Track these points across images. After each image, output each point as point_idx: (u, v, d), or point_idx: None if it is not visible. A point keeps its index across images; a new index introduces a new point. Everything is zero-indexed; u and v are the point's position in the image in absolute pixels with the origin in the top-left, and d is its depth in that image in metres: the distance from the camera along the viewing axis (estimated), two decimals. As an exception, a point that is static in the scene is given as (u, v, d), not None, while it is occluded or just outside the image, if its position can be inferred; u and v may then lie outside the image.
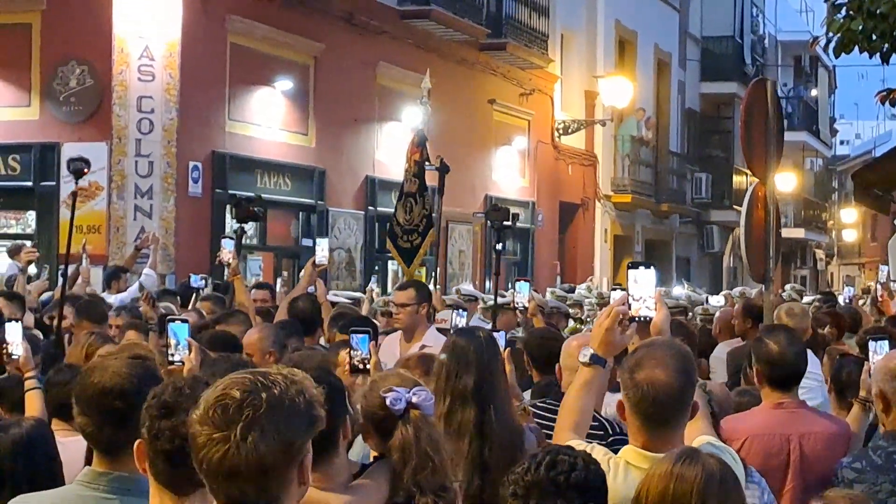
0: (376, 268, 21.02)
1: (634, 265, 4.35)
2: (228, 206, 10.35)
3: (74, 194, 9.42)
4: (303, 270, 10.33)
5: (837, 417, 5.94)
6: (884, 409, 4.97)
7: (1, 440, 4.14)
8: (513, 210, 25.32)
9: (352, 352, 5.47)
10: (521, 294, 10.22)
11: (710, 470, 3.27)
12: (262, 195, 18.27)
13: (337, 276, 19.80)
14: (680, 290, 18.65)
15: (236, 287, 9.64)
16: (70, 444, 5.17)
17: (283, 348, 7.01)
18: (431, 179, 12.88)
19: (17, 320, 6.44)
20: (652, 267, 4.35)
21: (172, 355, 5.41)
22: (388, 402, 3.94)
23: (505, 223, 11.15)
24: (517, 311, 10.77)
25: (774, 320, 8.65)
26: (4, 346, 6.10)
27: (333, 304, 10.49)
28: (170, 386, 3.21)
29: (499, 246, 11.28)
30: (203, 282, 12.66)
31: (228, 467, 2.52)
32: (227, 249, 9.57)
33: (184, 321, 5.62)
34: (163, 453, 3.06)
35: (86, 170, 9.37)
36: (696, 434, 4.05)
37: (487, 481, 4.78)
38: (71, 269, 12.42)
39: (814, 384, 7.07)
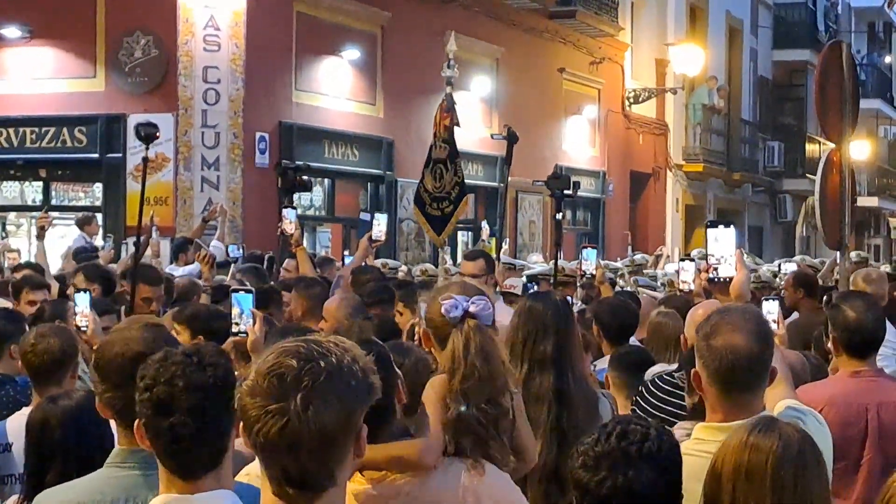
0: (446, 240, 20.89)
1: (713, 223, 4.22)
2: (279, 176, 9.99)
3: (146, 160, 9.20)
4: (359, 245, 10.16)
5: (916, 384, 5.74)
6: None
7: (51, 411, 4.04)
8: (582, 179, 25.31)
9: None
10: (589, 262, 10.04)
11: (787, 440, 3.10)
12: (331, 165, 18.42)
13: (406, 246, 19.73)
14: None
15: (299, 258, 9.39)
16: None
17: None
18: (498, 149, 12.69)
19: (85, 290, 6.34)
20: (732, 226, 4.20)
21: (237, 324, 5.33)
22: (443, 309, 3.85)
23: (566, 192, 10.88)
24: (577, 285, 10.58)
25: (850, 286, 8.44)
26: (74, 317, 6.03)
27: None
28: (160, 376, 2.93)
29: (559, 215, 11.00)
30: (240, 251, 12.47)
31: (289, 440, 2.39)
32: (288, 219, 9.35)
33: (249, 291, 5.52)
34: (162, 449, 2.88)
35: (158, 134, 9.21)
36: (778, 399, 3.90)
37: (565, 448, 4.64)
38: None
39: (888, 352, 6.87)
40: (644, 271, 14.22)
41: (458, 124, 11.77)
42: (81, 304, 6.01)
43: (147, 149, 9.13)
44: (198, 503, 2.81)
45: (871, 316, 5.42)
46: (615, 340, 7.04)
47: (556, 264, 11.30)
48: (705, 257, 4.28)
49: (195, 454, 2.83)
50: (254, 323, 5.23)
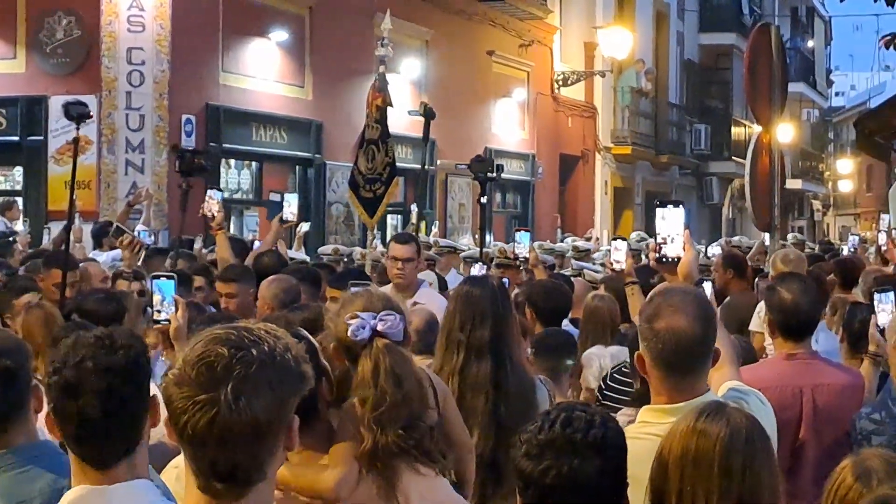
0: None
1: (663, 203, 4.18)
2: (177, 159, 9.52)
3: (76, 140, 8.93)
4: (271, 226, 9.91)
5: (851, 368, 5.74)
6: None
7: None
8: (511, 162, 25.23)
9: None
10: (522, 245, 9.97)
11: (735, 426, 3.03)
12: (258, 148, 18.22)
13: (335, 230, 19.58)
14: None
15: (219, 243, 8.94)
16: None
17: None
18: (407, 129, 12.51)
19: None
20: (680, 205, 4.15)
21: (159, 312, 5.17)
22: (349, 332, 3.70)
23: (489, 174, 10.77)
24: (521, 268, 10.50)
25: (769, 267, 8.44)
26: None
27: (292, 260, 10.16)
28: (69, 359, 2.79)
29: (483, 199, 10.88)
30: (152, 238, 12.21)
31: (219, 432, 2.26)
32: (214, 200, 8.88)
33: (170, 277, 5.37)
34: (71, 435, 2.74)
35: (91, 113, 8.95)
36: (722, 380, 3.86)
37: (502, 438, 4.56)
38: (60, 226, 12.18)
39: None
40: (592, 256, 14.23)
41: (390, 104, 11.61)
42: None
43: (78, 129, 8.87)
44: (113, 494, 2.66)
45: (807, 298, 5.40)
46: (548, 323, 6.99)
47: (481, 248, 11.21)
48: (655, 236, 4.23)
49: (106, 440, 2.69)
50: (176, 310, 5.09)
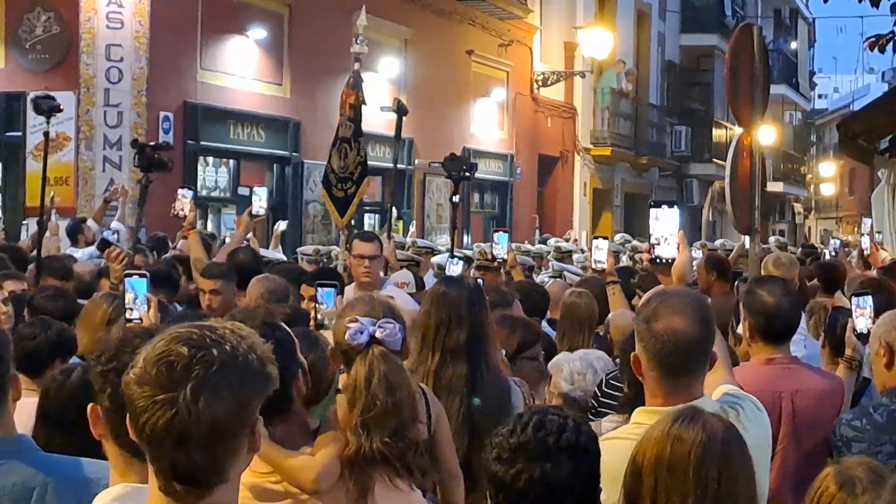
0: (352, 222, 20.68)
1: (657, 203, 4.12)
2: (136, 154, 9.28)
3: (47, 136, 8.85)
4: (238, 221, 9.80)
5: (831, 373, 5.71)
6: (887, 364, 4.71)
7: (65, 384, 4.02)
8: (490, 162, 25.16)
9: (317, 306, 5.18)
10: (500, 246, 9.92)
11: (711, 431, 2.98)
12: (236, 146, 18.13)
13: (312, 229, 19.50)
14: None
15: (191, 242, 8.83)
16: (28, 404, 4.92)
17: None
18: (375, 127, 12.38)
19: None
20: (675, 206, 4.09)
21: (131, 310, 5.12)
22: (347, 336, 3.66)
23: (463, 173, 10.67)
24: (501, 270, 10.44)
25: (761, 271, 8.40)
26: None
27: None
28: (122, 344, 2.86)
29: (456, 198, 10.78)
30: (115, 236, 12.10)
31: (177, 433, 2.22)
32: (186, 199, 8.79)
33: (143, 275, 5.33)
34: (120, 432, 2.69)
35: (62, 107, 8.84)
36: (717, 384, 3.80)
37: (475, 441, 4.51)
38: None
39: (798, 337, 6.82)
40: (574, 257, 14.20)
41: (364, 102, 11.50)
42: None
43: (48, 123, 8.80)
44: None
45: (788, 301, 5.35)
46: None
47: (452, 247, 11.13)
48: (649, 237, 4.19)
49: None
50: (148, 308, 5.04)
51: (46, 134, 8.74)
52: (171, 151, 16.30)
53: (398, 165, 21.57)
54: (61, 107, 8.79)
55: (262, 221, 9.71)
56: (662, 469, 2.96)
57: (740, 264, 11.69)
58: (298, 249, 13.23)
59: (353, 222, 12.65)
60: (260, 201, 9.04)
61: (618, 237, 17.24)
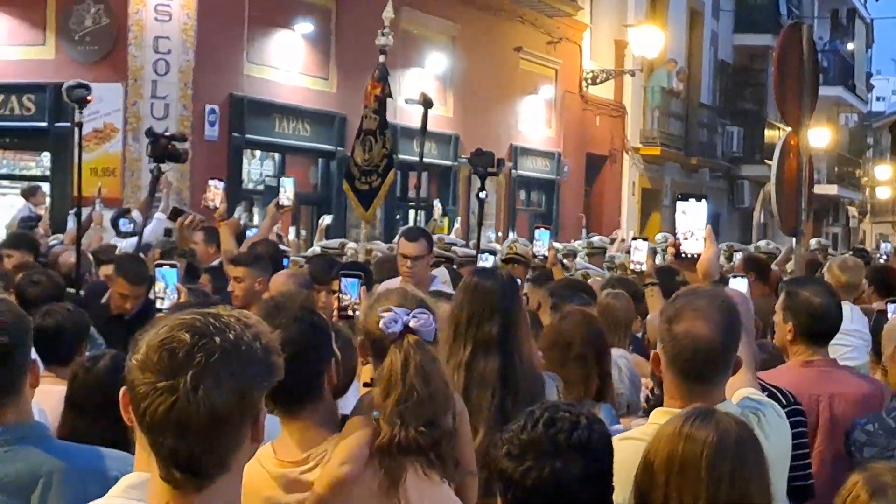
0: (398, 216, 20.70)
1: (684, 197, 4.02)
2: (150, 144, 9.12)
3: (80, 126, 8.79)
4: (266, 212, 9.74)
5: (871, 377, 5.64)
6: None
7: (91, 371, 4.03)
8: (537, 160, 25.06)
9: (340, 296, 5.11)
10: (541, 243, 9.83)
11: (724, 431, 2.91)
12: (281, 140, 18.14)
13: (357, 223, 19.45)
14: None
15: (222, 235, 8.76)
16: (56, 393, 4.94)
17: None
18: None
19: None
20: (703, 200, 4.00)
21: (161, 300, 5.13)
22: (381, 324, 3.60)
23: (489, 169, 10.53)
24: (528, 265, 10.34)
25: (825, 274, 8.29)
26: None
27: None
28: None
29: (482, 194, 10.65)
30: (131, 225, 12.00)
31: (176, 421, 2.18)
32: (217, 190, 8.65)
33: (173, 265, 5.33)
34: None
35: (88, 97, 8.73)
36: (738, 387, 3.70)
37: None
38: (85, 212, 12.15)
39: (860, 342, 6.72)
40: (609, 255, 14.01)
41: (390, 95, 11.38)
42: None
43: (81, 113, 8.73)
44: None
45: (834, 303, 5.28)
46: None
47: (478, 247, 10.97)
48: (675, 231, 4.10)
49: None
50: (178, 298, 5.04)
51: (79, 124, 8.65)
52: (217, 145, 16.56)
53: (448, 162, 21.64)
54: (88, 98, 8.64)
55: (290, 211, 9.59)
56: (674, 468, 2.90)
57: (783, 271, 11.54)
58: (321, 243, 13.11)
59: (378, 215, 12.54)
60: (286, 192, 8.97)
61: (659, 237, 17.06)
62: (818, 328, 5.23)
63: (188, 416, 2.17)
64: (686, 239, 3.98)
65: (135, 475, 2.70)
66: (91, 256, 9.72)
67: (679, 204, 4.04)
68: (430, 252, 7.89)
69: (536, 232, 10.05)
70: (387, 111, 11.17)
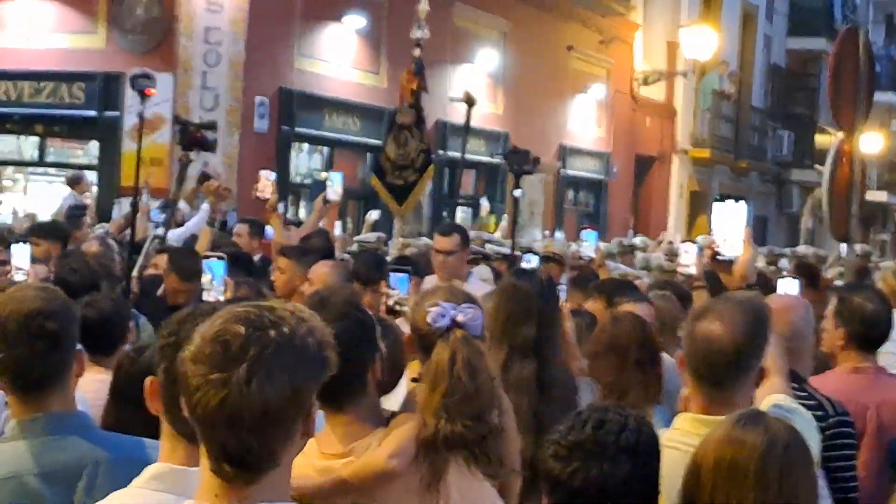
0: (444, 213, 20.66)
1: (722, 198, 3.97)
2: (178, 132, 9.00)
3: (141, 116, 8.80)
4: (314, 206, 9.74)
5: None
6: None
7: (137, 361, 3.97)
8: (586, 160, 24.97)
9: (389, 291, 5.10)
10: (588, 244, 9.78)
11: (773, 435, 2.85)
12: (330, 134, 18.14)
13: (406, 220, 19.44)
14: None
15: (273, 225, 8.84)
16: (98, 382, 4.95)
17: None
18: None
19: (25, 241, 6.14)
20: (742, 201, 3.95)
21: (207, 292, 5.13)
22: (429, 318, 3.57)
23: (525, 167, 10.43)
24: (564, 264, 10.25)
25: (879, 281, 8.22)
26: (9, 267, 5.82)
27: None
28: (186, 320, 2.79)
29: (517, 192, 10.57)
30: (162, 216, 11.77)
31: (228, 414, 2.15)
32: (269, 181, 8.72)
33: (220, 257, 5.33)
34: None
35: (153, 90, 8.74)
36: (768, 393, 3.66)
37: (542, 437, 4.38)
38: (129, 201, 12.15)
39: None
40: (636, 252, 13.85)
41: (425, 90, 11.28)
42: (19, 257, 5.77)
43: (143, 101, 8.75)
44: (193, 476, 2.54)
45: (886, 308, 5.23)
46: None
47: (513, 244, 10.87)
48: (711, 233, 4.05)
49: None
50: (225, 291, 5.03)
51: (140, 114, 8.68)
52: (266, 137, 16.58)
53: (497, 160, 21.56)
54: (147, 90, 8.65)
55: (337, 206, 9.60)
56: (722, 472, 2.86)
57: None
58: (358, 237, 13.04)
59: (425, 212, 12.47)
60: (334, 186, 8.99)
61: (700, 238, 16.94)
62: (869, 335, 5.19)
63: (241, 410, 2.15)
64: (725, 241, 3.93)
65: (158, 465, 2.71)
66: (115, 244, 9.74)
67: (716, 205, 4.00)
68: (465, 247, 7.78)
69: (583, 233, 10.02)
70: (434, 108, 11.09)
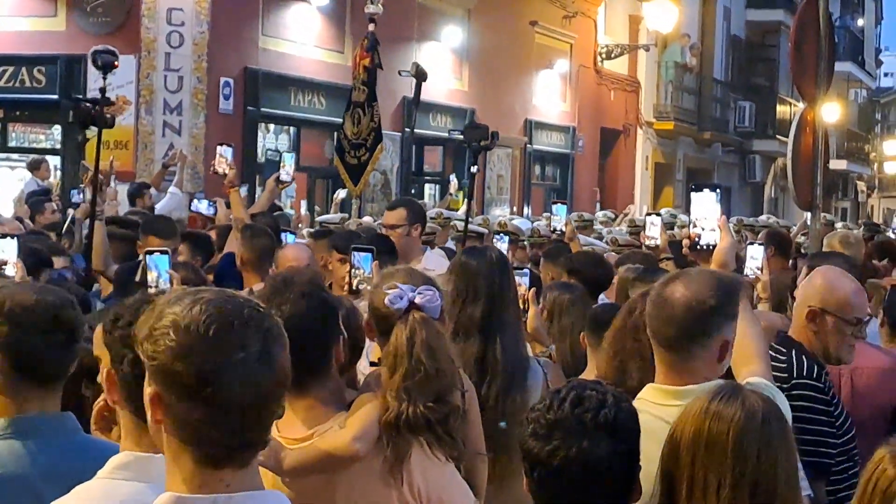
0: (412, 191, 20.66)
1: (697, 187, 4.00)
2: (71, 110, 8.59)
3: (103, 91, 8.64)
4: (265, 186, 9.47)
5: (891, 350, 5.59)
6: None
7: None
8: (552, 134, 24.98)
9: (353, 270, 5.06)
10: (558, 217, 9.78)
11: (751, 409, 2.88)
12: (296, 114, 18.08)
13: (372, 198, 19.46)
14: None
15: (232, 201, 8.48)
16: None
17: None
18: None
19: (13, 236, 6.05)
20: (717, 189, 3.98)
21: (154, 287, 5.04)
22: (387, 300, 3.57)
23: (483, 142, 10.29)
24: (527, 245, 10.19)
25: (825, 248, 8.27)
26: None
27: None
28: (139, 307, 2.65)
29: (474, 168, 10.41)
30: (80, 196, 11.58)
31: (253, 393, 2.17)
32: (224, 157, 8.40)
33: (164, 252, 5.23)
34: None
35: (116, 63, 8.60)
36: (749, 376, 3.64)
37: (481, 417, 4.39)
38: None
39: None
40: (595, 227, 13.82)
41: (379, 66, 11.05)
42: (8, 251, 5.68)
43: (104, 78, 8.61)
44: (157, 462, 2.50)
45: (856, 274, 5.26)
46: (591, 296, 6.76)
47: (466, 218, 10.67)
48: (689, 223, 4.05)
49: None
50: (171, 284, 4.99)
51: (102, 90, 8.52)
52: (232, 118, 16.49)
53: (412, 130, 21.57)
54: (116, 63, 8.51)
55: (288, 187, 9.28)
56: (700, 446, 2.87)
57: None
58: (320, 218, 12.87)
59: (393, 189, 12.32)
60: (286, 167, 8.72)
61: (664, 212, 16.96)
62: None
63: (260, 387, 2.16)
64: (703, 231, 3.95)
65: (123, 455, 2.63)
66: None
67: (692, 195, 4.02)
68: (415, 223, 7.55)
69: (553, 207, 10.00)
70: (401, 85, 10.96)
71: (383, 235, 7.28)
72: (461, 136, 10.94)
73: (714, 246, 3.93)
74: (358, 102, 10.78)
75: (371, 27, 11.19)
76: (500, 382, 4.57)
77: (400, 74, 11.34)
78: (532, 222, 13.32)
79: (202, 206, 11.04)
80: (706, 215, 3.96)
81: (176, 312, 2.17)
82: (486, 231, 11.22)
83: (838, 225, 17.10)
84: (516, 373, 4.65)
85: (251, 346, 2.15)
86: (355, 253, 5.14)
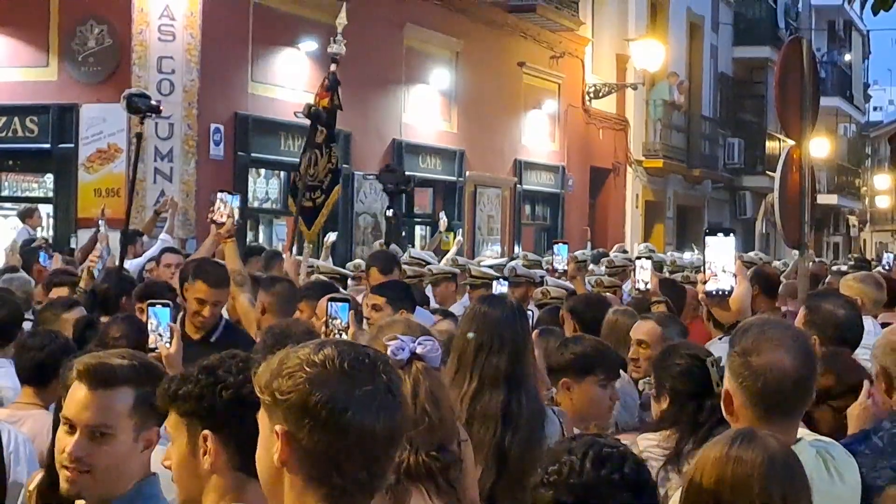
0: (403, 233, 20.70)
1: (712, 231, 3.92)
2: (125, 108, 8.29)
3: (139, 136, 8.46)
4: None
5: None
6: (886, 389, 4.40)
7: None
8: (542, 174, 25.04)
9: (329, 321, 5.08)
10: (560, 257, 9.83)
11: (771, 452, 2.89)
12: (287, 158, 18.13)
13: (363, 241, 19.51)
14: (690, 256, 18.41)
15: (227, 253, 7.77)
16: (38, 418, 4.92)
17: None
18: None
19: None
20: (732, 234, 3.92)
21: (154, 339, 5.05)
22: (389, 351, 3.60)
23: (401, 186, 9.97)
24: (531, 285, 10.24)
25: (842, 288, 8.28)
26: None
27: None
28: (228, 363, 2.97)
29: (389, 212, 10.05)
30: (49, 259, 11.35)
31: (396, 427, 2.38)
32: (228, 204, 7.68)
33: (165, 304, 5.20)
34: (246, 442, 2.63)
35: (162, 108, 8.41)
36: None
37: (503, 472, 4.40)
38: (89, 234, 12.07)
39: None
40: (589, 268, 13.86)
41: (339, 106, 10.80)
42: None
43: (142, 122, 8.42)
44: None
45: (856, 314, 5.31)
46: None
47: (392, 264, 10.18)
48: (703, 268, 3.99)
49: None
50: (171, 338, 5.01)
51: (139, 135, 8.39)
52: (222, 164, 16.54)
53: (453, 178, 21.64)
54: (161, 108, 8.37)
55: (233, 230, 7.92)
56: (725, 490, 2.86)
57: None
58: (314, 264, 12.64)
59: (320, 234, 11.95)
60: (221, 208, 7.70)
61: (640, 247, 16.94)
62: (846, 338, 5.26)
63: (382, 420, 2.31)
64: (715, 275, 3.88)
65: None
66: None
67: (707, 239, 3.92)
68: (389, 275, 7.32)
69: (555, 247, 10.04)
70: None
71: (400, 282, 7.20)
72: (376, 179, 10.48)
73: (729, 292, 3.89)
74: (316, 144, 10.51)
75: (333, 67, 11.03)
76: (522, 433, 4.52)
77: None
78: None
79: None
80: (720, 260, 3.90)
81: (305, 353, 2.33)
82: (457, 272, 11.27)
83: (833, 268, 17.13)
84: (538, 422, 4.61)
85: (379, 380, 2.29)
86: (330, 303, 5.16)
